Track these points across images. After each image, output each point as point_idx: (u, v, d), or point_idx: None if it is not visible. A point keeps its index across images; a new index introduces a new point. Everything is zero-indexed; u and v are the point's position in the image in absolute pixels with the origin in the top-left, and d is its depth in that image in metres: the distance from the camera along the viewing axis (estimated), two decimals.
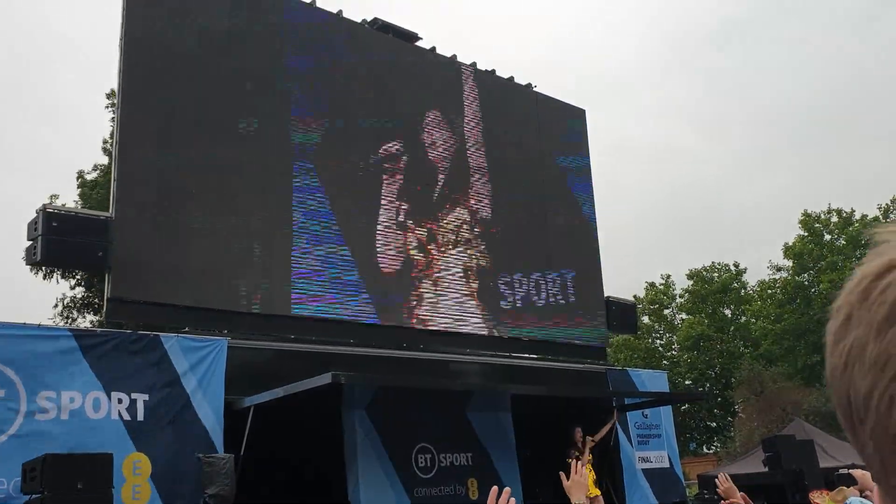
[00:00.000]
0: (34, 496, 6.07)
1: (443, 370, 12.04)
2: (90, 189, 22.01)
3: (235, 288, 10.10)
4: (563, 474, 3.19)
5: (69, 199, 22.20)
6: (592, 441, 11.60)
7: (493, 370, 12.73)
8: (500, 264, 13.35)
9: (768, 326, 34.96)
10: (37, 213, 9.03)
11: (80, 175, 22.73)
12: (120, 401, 8.42)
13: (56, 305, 22.49)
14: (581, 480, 3.07)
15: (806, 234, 34.70)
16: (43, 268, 19.88)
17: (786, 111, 64.30)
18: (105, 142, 22.70)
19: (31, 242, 9.07)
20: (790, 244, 34.58)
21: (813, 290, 33.23)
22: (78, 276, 21.43)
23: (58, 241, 8.92)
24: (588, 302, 14.66)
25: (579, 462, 3.21)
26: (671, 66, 75.79)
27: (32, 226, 9.04)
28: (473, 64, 14.21)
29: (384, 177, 12.18)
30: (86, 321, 22.37)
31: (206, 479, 8.13)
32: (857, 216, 33.88)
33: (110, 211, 9.45)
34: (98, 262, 9.28)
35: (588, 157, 15.75)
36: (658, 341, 42.18)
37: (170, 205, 9.82)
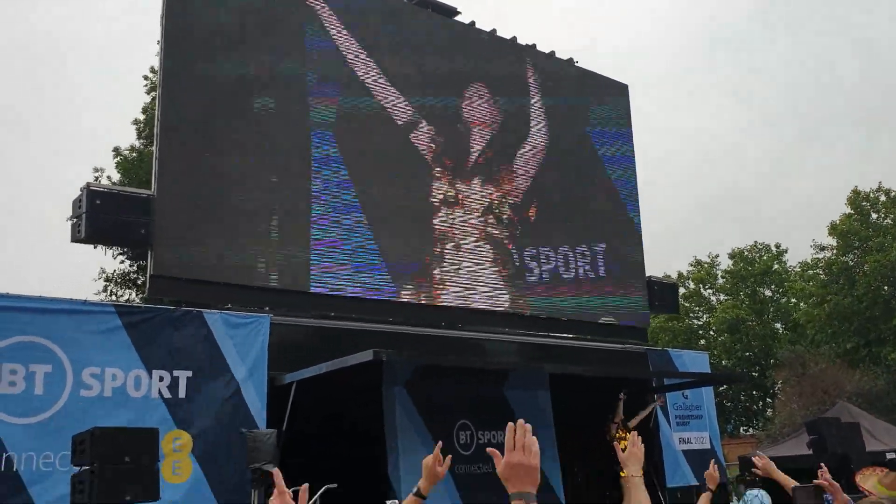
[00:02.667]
0: (83, 468, 6.17)
1: (480, 349, 11.98)
2: (131, 164, 21.96)
3: (277, 265, 10.13)
4: (617, 445, 3.06)
5: (109, 173, 22.25)
6: (622, 418, 11.49)
7: (532, 349, 12.64)
8: (540, 243, 13.19)
9: (811, 311, 34.13)
10: (80, 191, 9.13)
11: (118, 152, 22.63)
12: (161, 378, 8.51)
13: (98, 279, 22.53)
14: (637, 453, 2.93)
15: (853, 212, 33.67)
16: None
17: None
18: (137, 122, 22.71)
19: (75, 220, 9.17)
20: (836, 223, 33.58)
21: (857, 270, 32.34)
22: (123, 250, 21.48)
23: (101, 219, 9.03)
24: (629, 282, 14.46)
25: (637, 435, 3.04)
26: (714, 47, 74.26)
27: (77, 203, 9.14)
28: (514, 38, 14.00)
29: (421, 152, 12.08)
30: (126, 296, 22.50)
31: (252, 454, 8.18)
32: None
33: (152, 188, 9.52)
34: (141, 239, 9.37)
35: (630, 133, 15.46)
36: (696, 322, 41.66)
37: (211, 182, 9.85)
